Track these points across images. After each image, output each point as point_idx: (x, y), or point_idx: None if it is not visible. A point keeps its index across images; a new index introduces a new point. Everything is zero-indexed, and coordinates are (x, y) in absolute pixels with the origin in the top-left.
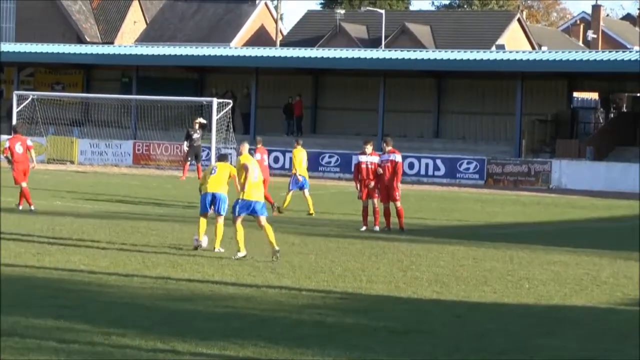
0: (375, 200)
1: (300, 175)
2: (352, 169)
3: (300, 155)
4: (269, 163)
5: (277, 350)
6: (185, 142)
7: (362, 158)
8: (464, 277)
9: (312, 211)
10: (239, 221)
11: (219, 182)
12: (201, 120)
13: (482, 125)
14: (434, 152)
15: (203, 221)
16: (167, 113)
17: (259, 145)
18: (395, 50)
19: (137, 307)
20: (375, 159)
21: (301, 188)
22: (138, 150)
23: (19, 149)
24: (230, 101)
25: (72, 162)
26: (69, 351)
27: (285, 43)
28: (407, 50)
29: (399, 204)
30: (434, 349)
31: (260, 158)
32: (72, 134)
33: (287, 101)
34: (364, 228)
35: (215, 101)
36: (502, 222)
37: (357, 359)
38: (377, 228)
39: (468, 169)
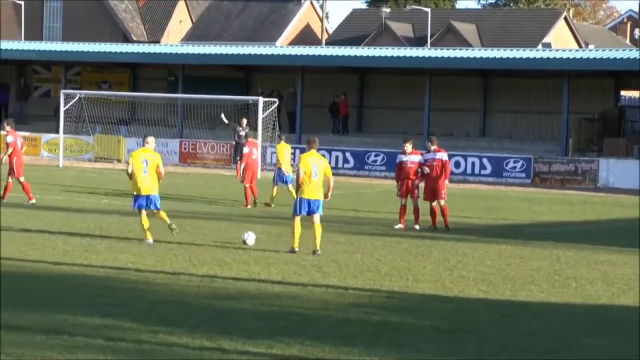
0: (415, 199)
1: (285, 170)
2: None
3: (283, 151)
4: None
5: (323, 349)
6: (234, 141)
7: (403, 157)
8: (510, 276)
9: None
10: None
11: (319, 187)
12: (223, 118)
13: (529, 124)
14: (481, 151)
15: (298, 225)
16: (213, 112)
17: (250, 139)
18: (441, 49)
19: (183, 305)
20: (417, 157)
21: (285, 182)
22: (184, 148)
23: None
24: (276, 100)
25: (118, 161)
26: (116, 349)
27: (331, 42)
28: (453, 49)
29: (443, 202)
30: (480, 348)
31: (248, 151)
32: (119, 133)
33: (332, 100)
34: (399, 226)
35: (261, 100)
36: (549, 221)
37: (403, 358)
38: (417, 227)
39: (515, 167)
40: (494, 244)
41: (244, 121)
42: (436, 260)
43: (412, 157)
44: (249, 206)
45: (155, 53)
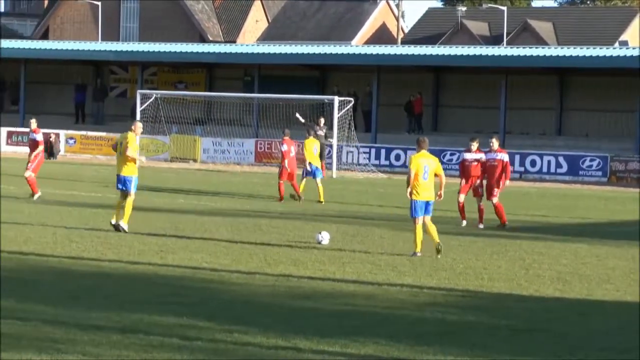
0: (479, 197)
1: (311, 164)
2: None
3: (310, 146)
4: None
5: (398, 349)
6: None
7: (467, 155)
8: (586, 275)
9: (322, 199)
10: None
11: (430, 188)
12: (299, 117)
13: (605, 122)
14: (557, 150)
15: (419, 229)
16: (289, 111)
17: (286, 137)
18: (517, 47)
19: (258, 304)
20: (481, 156)
21: (314, 176)
22: (260, 148)
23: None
24: (352, 99)
25: (194, 161)
26: (192, 348)
27: (407, 41)
28: (529, 47)
29: (495, 199)
30: (556, 348)
31: (287, 149)
32: (195, 133)
33: (408, 99)
34: (464, 223)
35: (336, 99)
36: (625, 220)
37: (478, 357)
38: (481, 226)
39: (591, 166)
40: (570, 242)
41: (322, 120)
42: (512, 259)
43: (475, 156)
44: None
45: (231, 53)
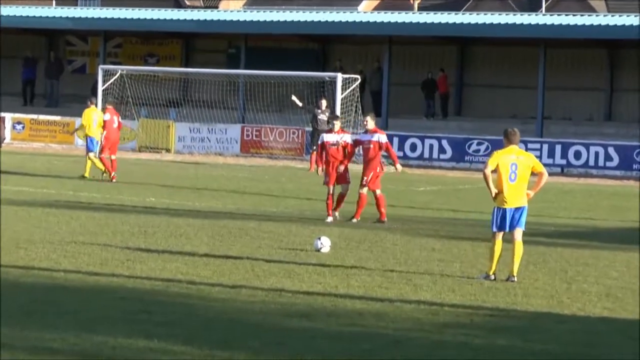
0: (347, 185)
1: (90, 137)
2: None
3: (89, 116)
4: None
5: None
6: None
7: (328, 137)
8: None
9: (86, 174)
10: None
11: (521, 192)
12: (295, 100)
13: None
14: (606, 139)
15: (499, 245)
16: (282, 91)
17: (110, 107)
18: (559, 15)
19: (245, 325)
20: (347, 137)
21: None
22: (247, 136)
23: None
24: (358, 77)
25: (168, 151)
26: None
27: (425, 7)
28: (573, 15)
29: (379, 191)
30: None
31: (109, 119)
32: (169, 117)
33: (426, 76)
34: (329, 219)
35: (339, 77)
36: None
37: None
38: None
39: None
40: (621, 251)
41: (323, 102)
42: (551, 270)
43: (336, 137)
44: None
45: (212, 20)
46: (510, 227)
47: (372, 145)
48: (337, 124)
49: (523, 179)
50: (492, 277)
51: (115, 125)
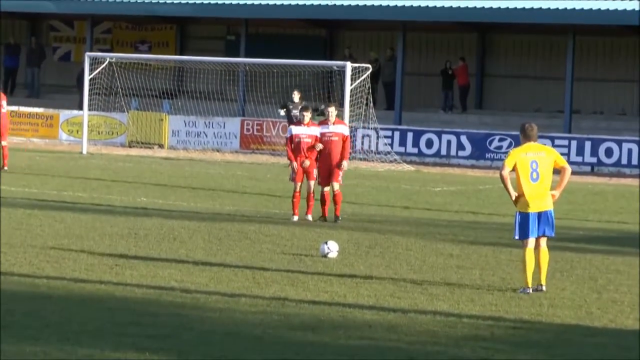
0: (312, 182)
1: None
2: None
3: None
4: None
5: None
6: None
7: (296, 130)
8: None
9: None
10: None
11: (544, 192)
12: (280, 112)
13: None
14: None
15: (530, 254)
16: (285, 82)
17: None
18: None
19: (245, 337)
20: (314, 130)
21: None
22: (247, 130)
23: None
24: (369, 66)
25: (161, 146)
26: None
27: None
28: None
29: (337, 186)
30: None
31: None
32: (162, 109)
33: (444, 66)
34: (295, 218)
35: (348, 66)
36: None
37: None
38: (309, 217)
39: None
40: None
41: (295, 95)
42: (580, 279)
43: (308, 130)
44: None
45: (209, 4)
46: (537, 233)
47: (336, 138)
48: (307, 116)
49: (546, 177)
50: (529, 290)
51: (5, 110)
